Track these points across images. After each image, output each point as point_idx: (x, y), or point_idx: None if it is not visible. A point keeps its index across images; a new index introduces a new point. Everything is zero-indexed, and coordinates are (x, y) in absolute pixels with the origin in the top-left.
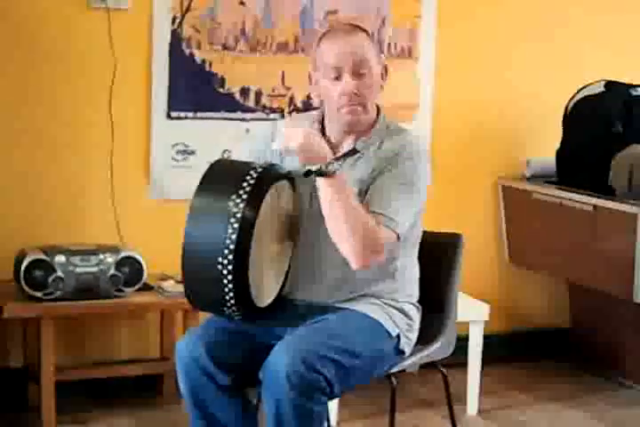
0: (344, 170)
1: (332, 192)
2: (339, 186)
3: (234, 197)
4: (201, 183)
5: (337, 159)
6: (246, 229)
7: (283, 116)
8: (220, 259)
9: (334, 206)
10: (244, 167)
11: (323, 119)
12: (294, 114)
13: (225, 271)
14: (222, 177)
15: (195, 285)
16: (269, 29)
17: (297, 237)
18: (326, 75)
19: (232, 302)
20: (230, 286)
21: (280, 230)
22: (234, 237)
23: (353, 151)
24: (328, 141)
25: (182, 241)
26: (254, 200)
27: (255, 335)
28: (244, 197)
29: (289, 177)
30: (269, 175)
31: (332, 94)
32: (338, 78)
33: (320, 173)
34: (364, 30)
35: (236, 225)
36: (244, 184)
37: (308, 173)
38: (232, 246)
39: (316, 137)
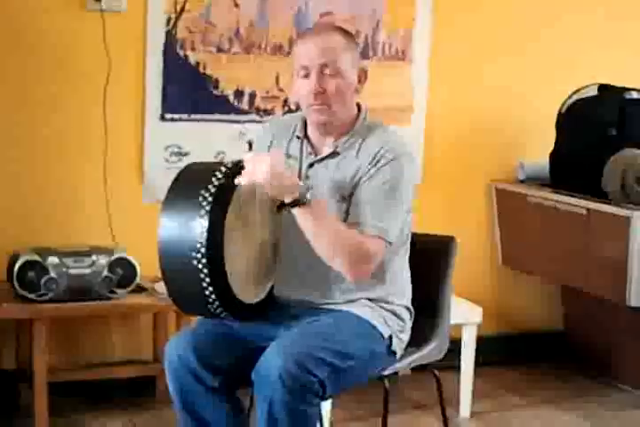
0: (325, 172)
1: (310, 219)
2: (315, 212)
3: (203, 191)
4: (172, 182)
5: (319, 161)
6: (217, 221)
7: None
8: (193, 253)
9: (316, 232)
10: (215, 165)
11: (306, 120)
12: (278, 116)
13: (200, 265)
14: (193, 175)
15: (175, 284)
16: (264, 31)
17: (286, 239)
18: (297, 73)
19: (213, 297)
20: (208, 280)
21: (260, 226)
22: (205, 230)
23: (334, 154)
24: (309, 142)
25: (157, 242)
26: (224, 193)
27: (246, 337)
28: (213, 190)
29: None
30: (239, 169)
31: (302, 92)
32: (306, 77)
33: (293, 205)
34: (345, 32)
35: (205, 217)
36: (213, 179)
37: (280, 207)
38: (203, 241)
39: (279, 167)
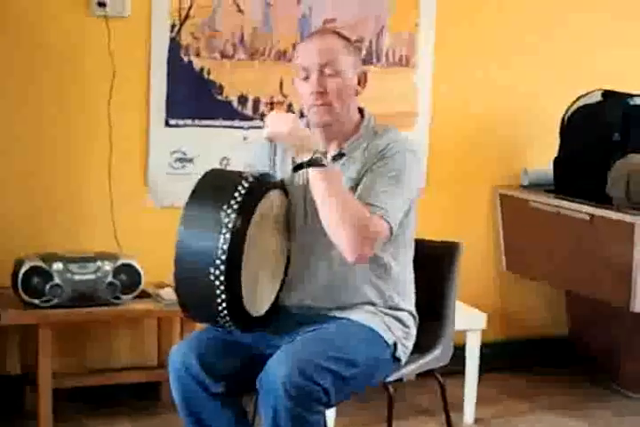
0: None
1: (324, 182)
2: (330, 176)
3: (225, 207)
4: (192, 193)
5: None
6: (238, 240)
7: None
8: (211, 269)
9: (326, 196)
10: (236, 177)
11: (309, 127)
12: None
13: (217, 282)
14: (214, 187)
15: (188, 296)
16: (268, 37)
17: (291, 244)
18: (298, 74)
19: (225, 312)
20: (223, 296)
21: (274, 239)
22: (225, 247)
23: (340, 155)
24: None
25: (174, 252)
26: (245, 210)
27: (249, 344)
28: (235, 207)
29: (281, 187)
30: (261, 185)
31: (304, 95)
32: (307, 78)
33: (310, 164)
34: (344, 37)
35: (227, 235)
36: (236, 194)
37: (297, 168)
38: (223, 257)
39: (302, 125)
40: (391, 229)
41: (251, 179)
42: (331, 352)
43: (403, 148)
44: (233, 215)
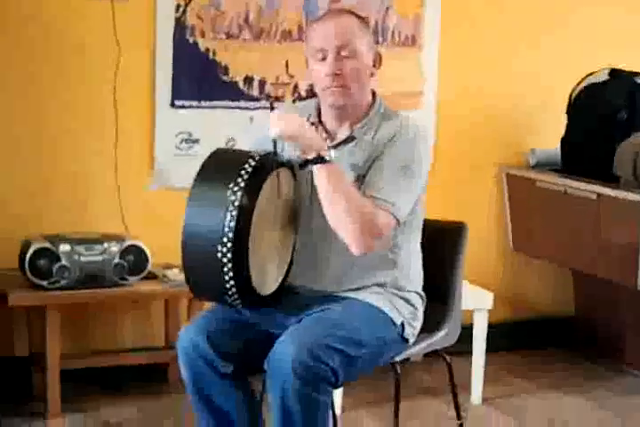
0: (342, 157)
1: (329, 179)
2: (335, 173)
3: (232, 185)
4: (199, 173)
5: (334, 146)
6: (244, 217)
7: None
8: (219, 247)
9: (331, 193)
10: (243, 156)
11: (320, 107)
12: (290, 103)
13: (225, 260)
14: (220, 166)
15: (195, 274)
16: (273, 17)
17: (299, 224)
18: (314, 57)
19: (233, 290)
20: (230, 273)
21: (282, 217)
22: (232, 224)
23: (350, 138)
24: (324, 128)
25: (182, 231)
26: (252, 188)
27: (257, 324)
28: (242, 185)
29: (288, 165)
30: (267, 164)
31: (319, 76)
32: (323, 60)
33: (316, 161)
34: (358, 16)
35: (234, 213)
36: (242, 172)
37: (304, 164)
38: (230, 235)
39: (308, 126)
40: (398, 222)
41: (258, 157)
42: (339, 332)
43: (413, 134)
44: (239, 193)
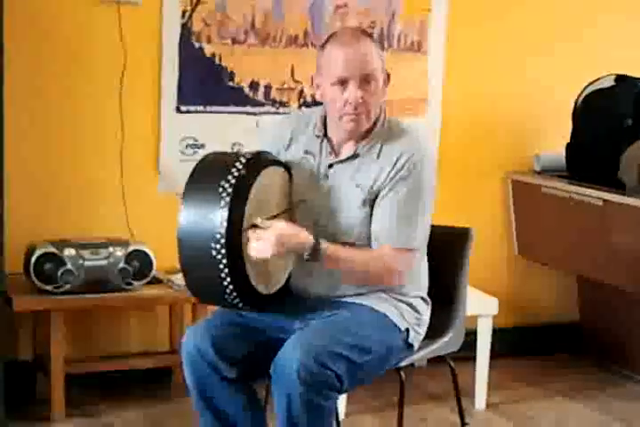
0: (346, 174)
1: (333, 264)
2: (333, 257)
3: (223, 182)
4: (190, 175)
5: (338, 162)
6: (236, 213)
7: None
8: (213, 244)
9: (342, 271)
10: (233, 156)
11: (325, 118)
12: (296, 110)
13: (219, 256)
14: (211, 167)
15: (193, 275)
16: (279, 23)
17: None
18: (332, 81)
19: (231, 287)
20: (227, 270)
21: (278, 212)
22: (224, 223)
23: (354, 156)
24: (329, 144)
25: (176, 233)
26: (243, 184)
27: (262, 329)
28: (233, 182)
29: (283, 164)
30: (258, 161)
31: (337, 101)
32: (344, 86)
33: (314, 258)
34: (370, 35)
35: (225, 212)
36: (233, 170)
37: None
38: (223, 231)
39: (285, 234)
40: (418, 251)
41: (248, 155)
42: (345, 339)
43: (417, 160)
44: (230, 190)
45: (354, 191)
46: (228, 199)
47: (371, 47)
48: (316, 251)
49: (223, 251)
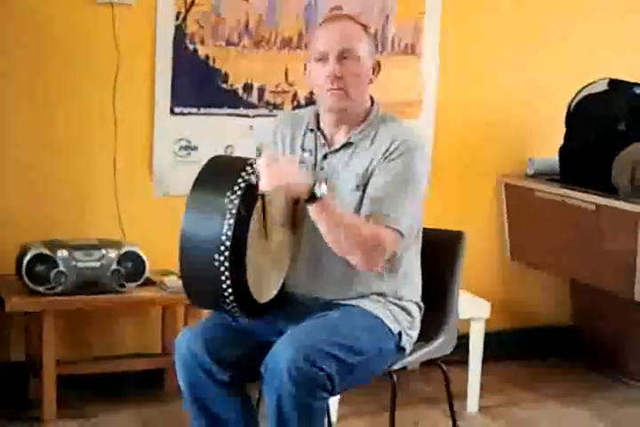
0: (340, 163)
1: (324, 214)
2: (328, 207)
3: (229, 193)
4: (196, 180)
5: (333, 152)
6: (242, 226)
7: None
8: (216, 256)
9: (329, 226)
10: (240, 163)
11: (318, 115)
12: (289, 111)
13: (222, 268)
14: (218, 173)
15: (193, 283)
16: (273, 25)
17: (298, 230)
18: (315, 57)
19: (231, 298)
20: (228, 282)
21: (281, 224)
22: (229, 233)
23: (348, 144)
24: (322, 135)
25: (179, 239)
26: (249, 196)
27: (255, 332)
28: (239, 193)
29: None
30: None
31: (319, 78)
32: (324, 62)
33: (308, 200)
34: (361, 24)
35: (231, 221)
36: (239, 180)
37: (296, 202)
38: (228, 243)
39: (292, 168)
40: (402, 235)
41: (255, 164)
42: (336, 339)
43: (410, 145)
44: (237, 201)
45: (348, 177)
46: (234, 211)
47: (354, 28)
48: (315, 191)
49: (226, 264)
